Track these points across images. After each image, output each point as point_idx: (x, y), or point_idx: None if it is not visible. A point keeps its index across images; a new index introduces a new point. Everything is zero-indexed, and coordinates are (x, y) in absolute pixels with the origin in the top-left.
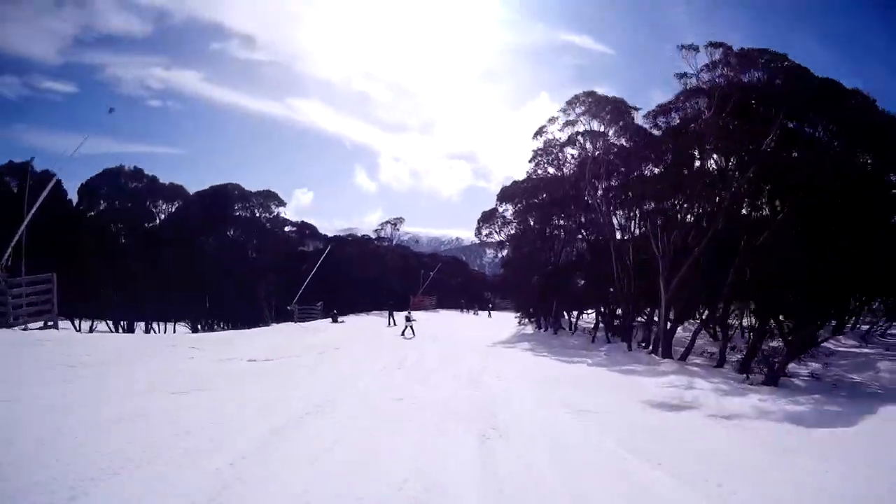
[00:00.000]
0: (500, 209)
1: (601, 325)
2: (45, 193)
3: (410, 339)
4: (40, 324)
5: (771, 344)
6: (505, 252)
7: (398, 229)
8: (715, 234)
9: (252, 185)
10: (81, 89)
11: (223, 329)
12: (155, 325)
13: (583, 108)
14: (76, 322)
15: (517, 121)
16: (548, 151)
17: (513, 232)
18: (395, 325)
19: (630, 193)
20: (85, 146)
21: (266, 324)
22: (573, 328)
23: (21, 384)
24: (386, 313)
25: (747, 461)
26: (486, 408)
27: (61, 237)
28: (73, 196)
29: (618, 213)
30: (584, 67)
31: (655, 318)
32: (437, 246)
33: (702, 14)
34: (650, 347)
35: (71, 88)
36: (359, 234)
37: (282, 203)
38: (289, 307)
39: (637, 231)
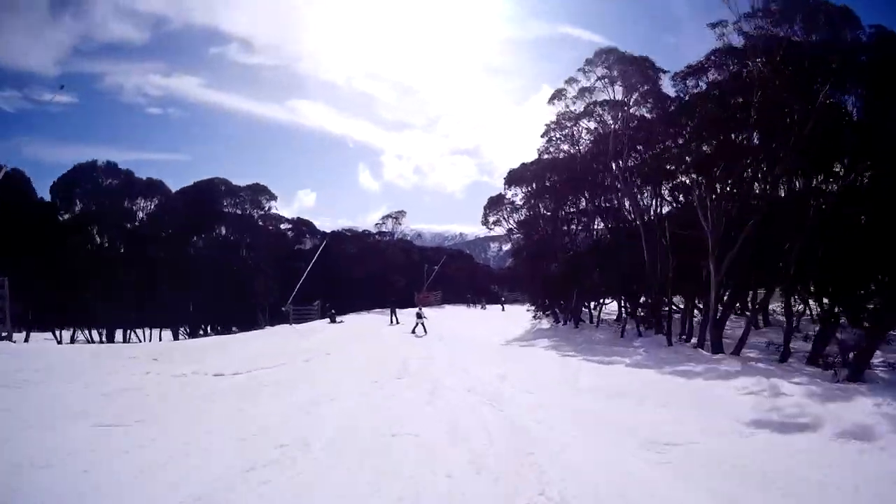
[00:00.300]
0: (509, 194)
1: (628, 316)
2: None
3: (422, 336)
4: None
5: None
6: (513, 240)
7: (400, 223)
8: (774, 203)
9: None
10: (82, 99)
11: (213, 334)
12: (141, 332)
13: (603, 68)
14: (58, 332)
15: (520, 115)
16: (561, 125)
17: (522, 218)
18: (397, 323)
19: (668, 165)
20: (86, 157)
21: (260, 327)
22: (596, 321)
23: None
24: (388, 311)
25: None
26: (523, 450)
27: (31, 240)
28: (47, 196)
29: (646, 189)
30: (582, 60)
31: (699, 306)
32: (441, 241)
33: (702, 5)
34: (692, 340)
35: (71, 99)
36: (359, 231)
37: (273, 197)
38: (283, 308)
39: (666, 208)
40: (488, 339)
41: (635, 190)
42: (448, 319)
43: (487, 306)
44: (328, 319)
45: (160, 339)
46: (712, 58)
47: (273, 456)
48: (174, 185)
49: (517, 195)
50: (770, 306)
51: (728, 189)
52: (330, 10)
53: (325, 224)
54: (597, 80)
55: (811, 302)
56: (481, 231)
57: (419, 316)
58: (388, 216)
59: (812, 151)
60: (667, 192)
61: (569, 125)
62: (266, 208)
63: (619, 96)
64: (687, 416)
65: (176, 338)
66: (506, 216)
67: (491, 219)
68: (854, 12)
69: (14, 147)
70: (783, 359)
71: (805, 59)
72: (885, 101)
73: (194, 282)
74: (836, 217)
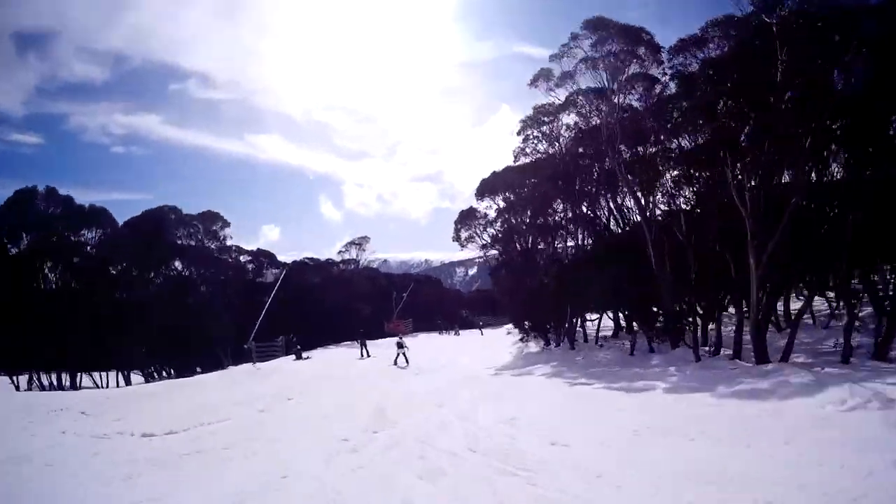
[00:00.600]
0: (481, 207)
1: (636, 331)
2: None
3: (404, 368)
4: None
5: None
6: (488, 257)
7: (364, 250)
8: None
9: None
10: (47, 140)
11: (175, 376)
12: (99, 376)
13: (587, 44)
14: (14, 378)
15: (480, 136)
16: (538, 121)
17: (499, 233)
18: (367, 356)
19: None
20: None
21: (224, 367)
22: (596, 340)
23: None
24: (357, 343)
25: None
26: None
27: None
28: None
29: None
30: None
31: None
32: (407, 269)
33: (657, 17)
34: (722, 351)
35: (38, 140)
36: (322, 260)
37: (226, 224)
38: (245, 346)
39: (675, 206)
40: (474, 368)
41: (636, 187)
42: (424, 348)
43: (461, 332)
44: (294, 356)
45: (117, 384)
46: (710, 30)
47: None
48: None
49: (490, 207)
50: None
51: (764, 165)
52: (285, 43)
53: (290, 258)
54: (578, 65)
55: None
56: (447, 257)
57: (400, 345)
58: (351, 243)
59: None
60: (672, 183)
61: (547, 120)
62: (221, 238)
63: (607, 82)
64: (807, 455)
65: (129, 382)
66: (479, 231)
67: (463, 234)
68: None
69: None
70: (845, 359)
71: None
72: None
73: (150, 321)
74: None
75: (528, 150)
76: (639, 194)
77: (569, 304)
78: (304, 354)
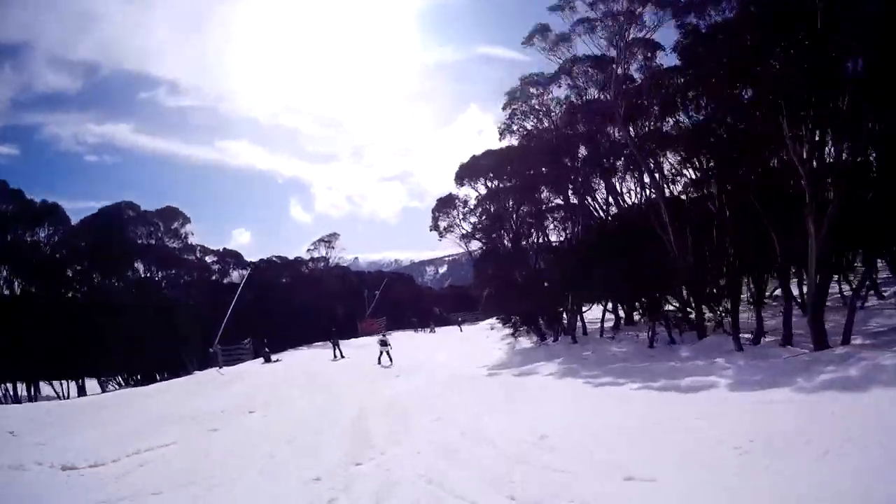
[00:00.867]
0: (461, 193)
1: (654, 321)
2: None
3: (387, 367)
4: None
5: None
6: (470, 250)
7: (333, 247)
8: None
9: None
10: (23, 151)
11: (131, 385)
12: (62, 385)
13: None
14: None
15: (447, 136)
16: (525, 94)
17: (483, 221)
18: (341, 357)
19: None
20: None
21: (189, 372)
22: (601, 332)
23: None
24: (330, 344)
25: None
26: None
27: None
28: None
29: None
30: (503, 78)
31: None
32: (377, 269)
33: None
34: (759, 339)
35: (13, 151)
36: (291, 259)
37: (187, 220)
38: (211, 349)
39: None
40: (463, 368)
41: (651, 161)
42: (402, 347)
43: (436, 329)
44: (262, 359)
45: (78, 393)
46: None
47: None
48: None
49: (470, 196)
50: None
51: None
52: (250, 47)
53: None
54: (575, 25)
55: None
56: (416, 256)
57: (383, 343)
58: (320, 241)
59: None
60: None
61: (535, 93)
62: (182, 235)
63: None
64: None
65: (82, 392)
66: (458, 220)
67: (442, 224)
68: None
69: None
70: None
71: None
72: None
73: (110, 326)
74: None
75: (514, 128)
76: (654, 169)
77: (568, 295)
78: (274, 357)
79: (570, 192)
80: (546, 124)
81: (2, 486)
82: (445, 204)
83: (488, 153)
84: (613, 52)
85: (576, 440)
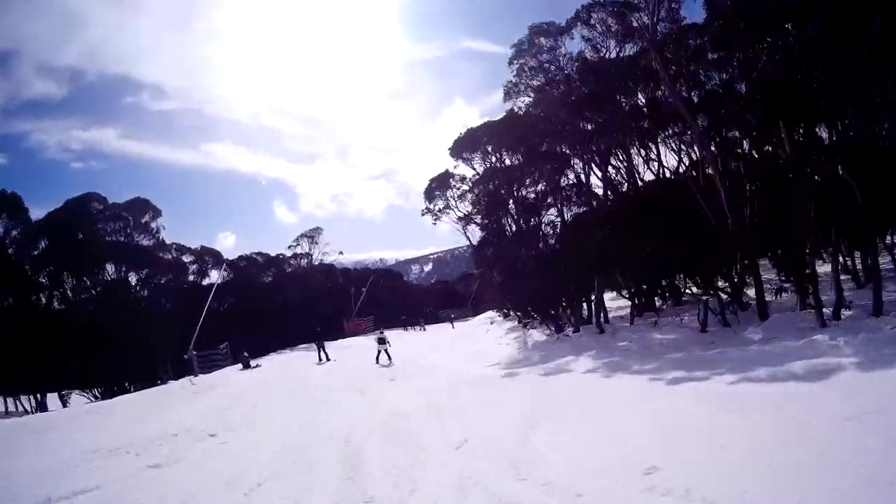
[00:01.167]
0: (458, 170)
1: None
2: None
3: (387, 366)
4: None
5: None
6: (469, 235)
7: (317, 243)
8: None
9: (174, 234)
10: (10, 159)
11: (99, 398)
12: (14, 403)
13: None
14: None
15: (435, 130)
16: (534, 47)
17: (485, 197)
18: (326, 360)
19: None
20: None
21: (163, 381)
22: (631, 320)
23: None
24: (315, 346)
25: None
26: None
27: None
28: None
29: None
30: (487, 71)
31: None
32: (363, 267)
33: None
34: (839, 312)
35: (1, 160)
36: (272, 256)
37: (157, 213)
38: (185, 355)
39: None
40: (471, 368)
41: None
42: (394, 347)
43: (427, 327)
44: (241, 364)
45: (35, 409)
46: None
47: None
48: None
49: (467, 173)
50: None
51: None
52: (233, 49)
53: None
54: None
55: None
56: (402, 255)
57: (381, 341)
58: (302, 236)
59: None
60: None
61: (546, 46)
62: (153, 230)
63: None
64: None
65: (42, 408)
66: (455, 200)
67: (437, 205)
68: None
69: None
70: None
71: None
72: None
73: (76, 333)
74: None
75: (521, 87)
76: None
77: (594, 277)
78: (253, 362)
79: (590, 159)
80: (559, 83)
81: None
82: (441, 183)
83: (489, 124)
84: None
85: (712, 473)
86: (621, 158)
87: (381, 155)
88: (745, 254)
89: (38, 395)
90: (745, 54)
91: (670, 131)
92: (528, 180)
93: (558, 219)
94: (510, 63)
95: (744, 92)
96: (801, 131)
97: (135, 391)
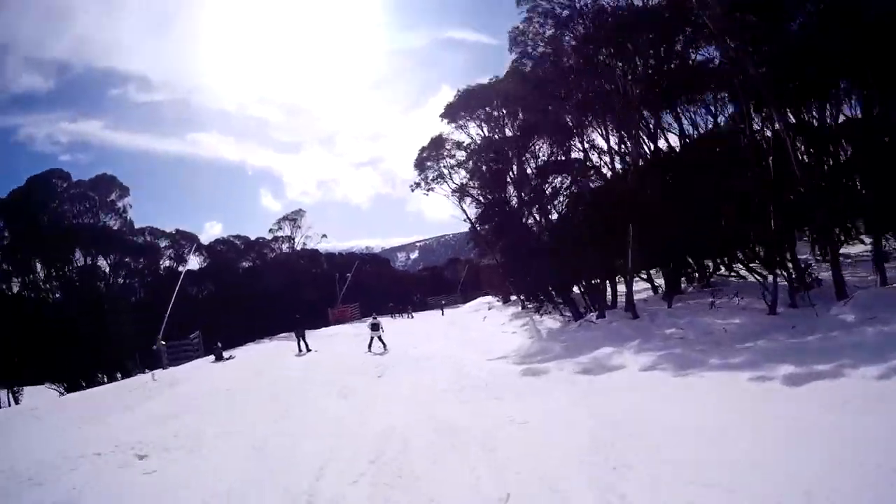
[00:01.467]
0: (454, 135)
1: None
2: None
3: (381, 354)
4: None
5: None
6: (460, 205)
7: (299, 227)
8: None
9: (165, 223)
10: (1, 154)
11: (64, 393)
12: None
13: None
14: None
15: (420, 118)
16: None
17: (479, 168)
18: (307, 350)
19: None
20: None
21: (132, 374)
22: (669, 302)
23: None
24: (294, 336)
25: None
26: None
27: None
28: None
29: None
30: (472, 60)
31: None
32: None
33: None
34: None
35: None
36: (252, 239)
37: (125, 192)
38: (154, 346)
39: None
40: (475, 361)
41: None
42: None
43: (414, 315)
44: (213, 356)
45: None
46: None
47: None
48: None
49: (463, 140)
50: None
51: None
52: (217, 39)
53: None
54: None
55: None
56: (387, 243)
57: (375, 327)
58: (284, 219)
59: None
60: None
61: None
62: (120, 209)
63: None
64: None
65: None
66: (448, 170)
67: (430, 174)
68: None
69: None
70: None
71: None
72: None
73: (41, 323)
74: None
75: (529, 35)
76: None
77: (628, 250)
78: (226, 354)
79: (608, 122)
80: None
81: None
82: (433, 149)
83: (488, 85)
84: None
85: None
86: (646, 123)
87: (367, 143)
88: (830, 217)
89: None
90: None
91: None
92: (536, 146)
93: (571, 189)
94: (518, 3)
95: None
96: None
97: (99, 385)
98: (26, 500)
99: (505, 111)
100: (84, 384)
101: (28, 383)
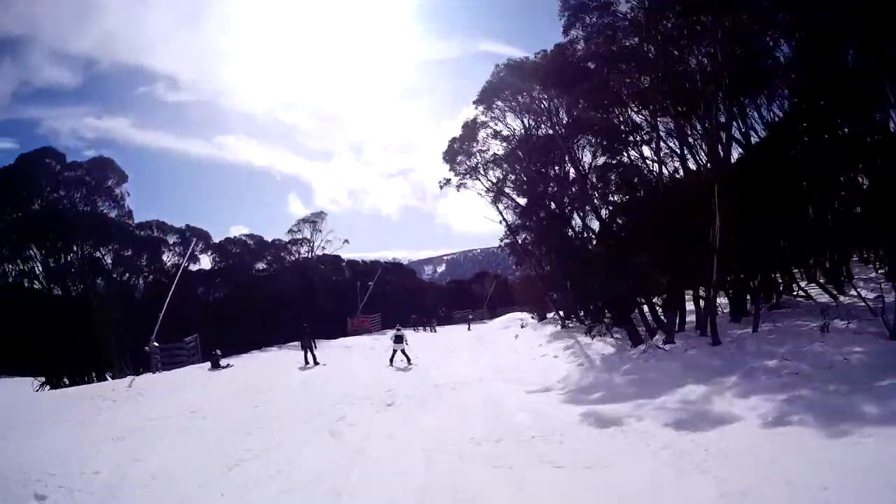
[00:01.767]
0: (491, 124)
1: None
2: None
3: (401, 370)
4: None
5: None
6: (496, 206)
7: (320, 230)
8: None
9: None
10: (23, 145)
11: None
12: None
13: None
14: None
15: (452, 130)
16: None
17: (519, 163)
18: (314, 363)
19: None
20: None
21: (115, 376)
22: (704, 329)
23: None
24: (301, 346)
25: None
26: None
27: None
28: None
29: None
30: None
31: None
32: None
33: None
34: None
35: (12, 145)
36: (267, 240)
37: (123, 178)
38: (146, 348)
39: None
40: (515, 394)
41: None
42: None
43: (438, 329)
44: (210, 364)
45: None
46: None
47: None
48: None
49: (502, 131)
50: None
51: None
52: (248, 42)
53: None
54: None
55: None
56: (414, 255)
57: (398, 339)
58: (303, 220)
59: None
60: None
61: None
62: (117, 197)
63: None
64: None
65: None
66: (482, 165)
67: (461, 167)
68: None
69: None
70: None
71: None
72: None
73: (35, 318)
74: None
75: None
76: None
77: (713, 256)
78: (224, 362)
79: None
80: None
81: None
82: (467, 136)
83: (529, 64)
84: None
85: None
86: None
87: (398, 154)
88: None
89: None
90: None
91: None
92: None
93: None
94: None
95: None
96: None
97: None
98: None
99: (550, 94)
100: (67, 381)
101: (11, 374)
